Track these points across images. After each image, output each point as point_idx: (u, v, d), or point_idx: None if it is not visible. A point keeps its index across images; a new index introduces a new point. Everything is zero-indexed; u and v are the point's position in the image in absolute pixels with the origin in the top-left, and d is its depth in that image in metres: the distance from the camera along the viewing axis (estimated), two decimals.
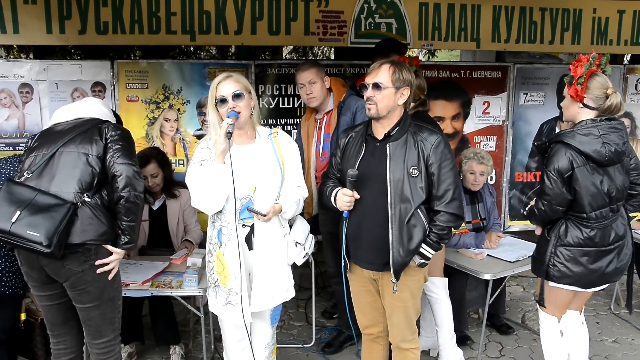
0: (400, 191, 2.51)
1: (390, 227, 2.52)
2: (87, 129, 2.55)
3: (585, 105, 2.72)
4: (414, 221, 2.52)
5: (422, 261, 2.58)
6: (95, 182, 2.47)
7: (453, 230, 3.30)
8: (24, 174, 2.46)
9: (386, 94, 2.53)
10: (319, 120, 3.58)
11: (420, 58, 4.59)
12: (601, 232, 2.76)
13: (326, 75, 3.53)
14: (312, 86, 3.45)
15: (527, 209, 2.97)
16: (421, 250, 2.55)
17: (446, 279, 3.40)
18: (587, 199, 2.70)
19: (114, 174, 2.45)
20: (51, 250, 2.29)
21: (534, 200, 2.92)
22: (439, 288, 3.36)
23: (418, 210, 2.52)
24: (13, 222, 2.29)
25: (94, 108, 2.71)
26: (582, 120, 2.73)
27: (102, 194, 2.49)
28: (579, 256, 2.77)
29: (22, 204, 2.32)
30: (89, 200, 2.43)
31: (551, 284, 2.86)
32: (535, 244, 3.02)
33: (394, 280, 2.56)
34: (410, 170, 2.51)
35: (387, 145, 2.56)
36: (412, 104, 3.22)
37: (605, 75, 2.74)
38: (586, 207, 2.71)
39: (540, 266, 2.88)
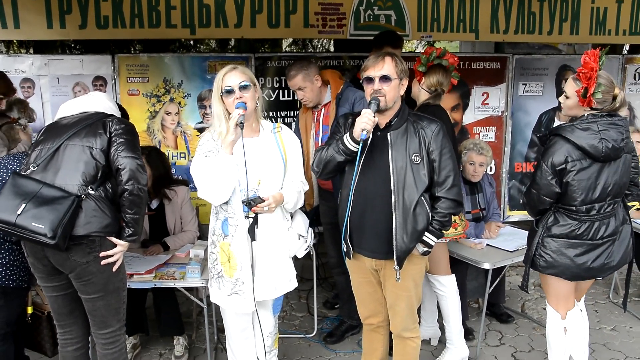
0: (403, 178, 2.54)
1: (393, 214, 2.54)
2: (92, 123, 2.57)
3: (593, 109, 2.70)
4: (419, 209, 2.54)
5: (426, 249, 2.61)
6: (99, 175, 2.49)
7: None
8: (30, 167, 2.49)
9: (393, 85, 2.56)
10: (316, 113, 3.60)
11: (419, 50, 4.59)
12: (590, 225, 2.75)
13: (317, 74, 3.47)
14: (302, 92, 3.47)
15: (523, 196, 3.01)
16: (424, 238, 2.58)
17: (453, 275, 3.39)
18: (579, 193, 2.70)
19: (117, 167, 2.47)
20: (55, 241, 2.32)
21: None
22: (446, 286, 3.37)
23: (422, 198, 2.55)
24: (18, 214, 2.32)
25: (99, 102, 2.74)
26: (583, 115, 2.72)
27: (106, 187, 2.52)
28: (565, 248, 2.78)
29: (27, 197, 2.35)
30: (93, 192, 2.46)
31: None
32: None
33: (396, 268, 2.58)
34: (412, 157, 2.54)
35: (388, 134, 2.59)
36: (426, 94, 3.23)
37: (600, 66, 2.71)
38: (577, 200, 2.71)
39: (527, 254, 2.93)
